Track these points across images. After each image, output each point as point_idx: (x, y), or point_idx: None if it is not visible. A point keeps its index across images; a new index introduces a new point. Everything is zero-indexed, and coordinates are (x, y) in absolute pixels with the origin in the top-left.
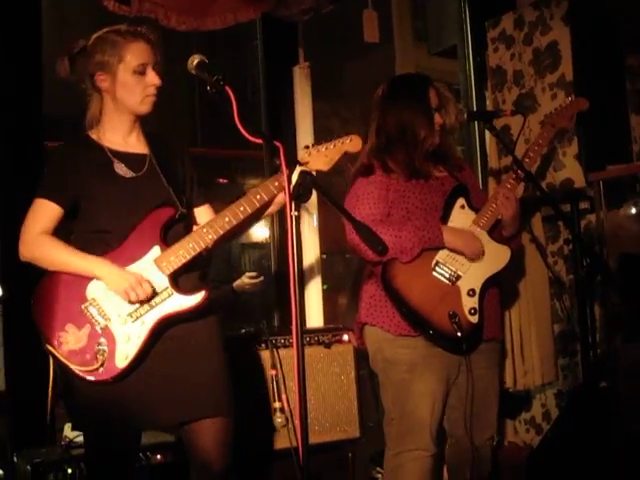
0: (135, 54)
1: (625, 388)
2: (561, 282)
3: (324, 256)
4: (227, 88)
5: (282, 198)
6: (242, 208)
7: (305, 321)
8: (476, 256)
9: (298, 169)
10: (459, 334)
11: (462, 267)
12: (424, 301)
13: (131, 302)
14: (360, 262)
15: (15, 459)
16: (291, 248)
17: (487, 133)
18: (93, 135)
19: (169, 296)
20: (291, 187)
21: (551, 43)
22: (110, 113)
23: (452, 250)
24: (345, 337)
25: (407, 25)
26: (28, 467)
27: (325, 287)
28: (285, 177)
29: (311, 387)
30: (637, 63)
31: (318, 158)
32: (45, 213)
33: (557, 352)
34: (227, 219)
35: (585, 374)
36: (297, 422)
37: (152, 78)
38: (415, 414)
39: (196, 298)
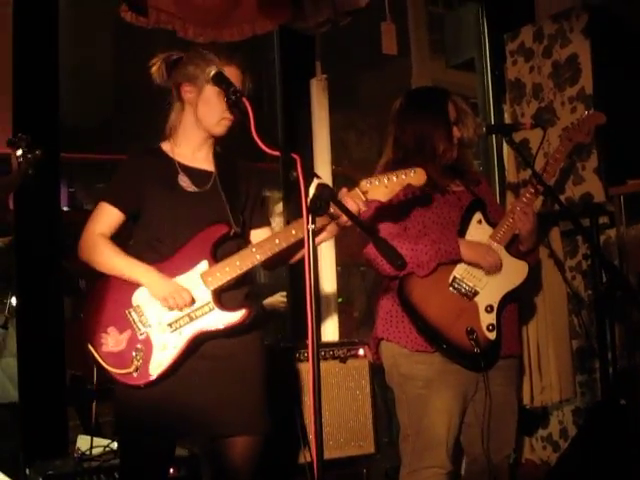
0: None
1: None
2: (579, 298)
3: (339, 268)
4: (244, 99)
5: (335, 227)
6: (294, 232)
7: (320, 335)
8: (494, 269)
9: (315, 181)
10: (477, 350)
11: (480, 283)
12: (441, 317)
13: (170, 309)
14: (376, 276)
15: (27, 471)
16: (308, 261)
17: (505, 147)
18: (165, 147)
19: (210, 311)
20: (308, 200)
21: (571, 56)
22: (187, 125)
23: (469, 263)
24: (361, 351)
25: (424, 38)
26: (40, 479)
27: (340, 300)
28: (302, 189)
29: (326, 402)
30: None
31: (378, 189)
32: (106, 217)
33: (575, 369)
34: (277, 241)
35: (604, 391)
36: (312, 437)
37: None
38: (431, 431)
39: (236, 316)
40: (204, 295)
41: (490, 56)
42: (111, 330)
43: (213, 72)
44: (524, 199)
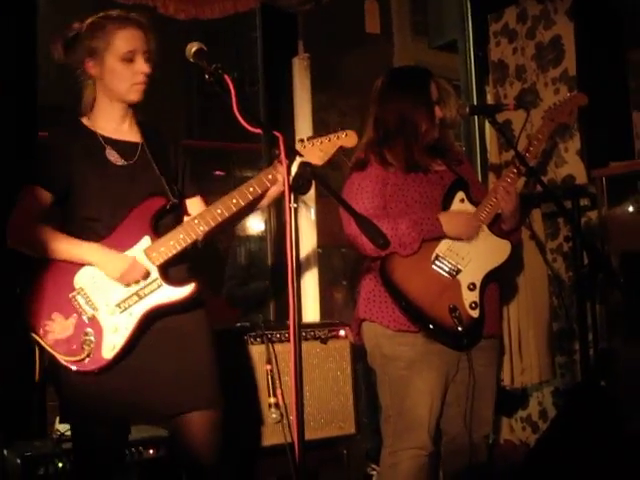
0: (124, 40)
1: (624, 388)
2: (560, 279)
3: (319, 250)
4: (226, 77)
5: (274, 191)
6: (235, 200)
7: (301, 316)
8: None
9: (298, 160)
10: (460, 329)
11: (462, 261)
12: (424, 295)
13: (127, 285)
14: (357, 257)
15: (5, 452)
16: (290, 241)
17: (487, 128)
18: (85, 121)
19: (158, 287)
20: (290, 178)
21: (555, 37)
22: (102, 100)
23: (453, 239)
24: (342, 332)
25: (406, 19)
26: (18, 460)
27: None
28: (285, 167)
29: (307, 382)
30: None
31: (313, 152)
32: (35, 200)
33: (555, 350)
34: (219, 211)
35: (583, 372)
36: (292, 418)
37: (140, 66)
38: (413, 412)
39: (186, 290)
40: (150, 272)
41: (473, 37)
42: (56, 316)
43: (195, 49)
44: (507, 179)
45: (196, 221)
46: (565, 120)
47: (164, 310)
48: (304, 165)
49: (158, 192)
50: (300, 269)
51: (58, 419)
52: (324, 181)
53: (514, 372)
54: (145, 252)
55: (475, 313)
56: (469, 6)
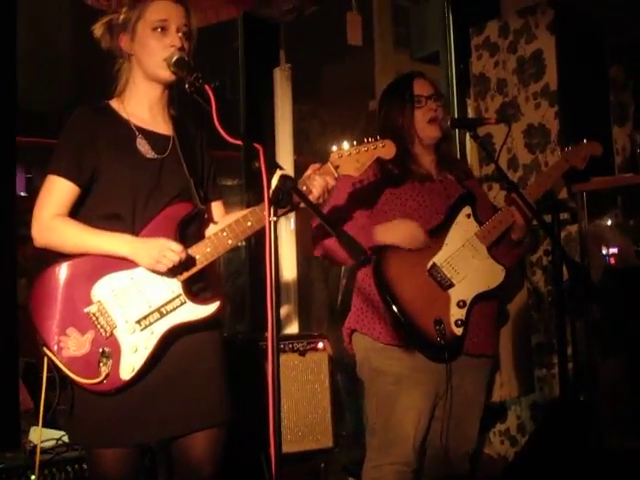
0: (155, 9)
1: (604, 402)
2: (539, 293)
3: (299, 258)
4: (207, 87)
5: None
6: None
7: (280, 327)
8: (416, 244)
9: (278, 173)
10: (441, 342)
11: (457, 275)
12: (413, 299)
13: (162, 272)
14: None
15: None
16: (269, 254)
17: (468, 141)
18: (114, 104)
19: (181, 304)
20: (270, 192)
21: (536, 52)
22: (135, 80)
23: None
24: (320, 345)
25: (388, 30)
26: None
27: None
28: (264, 180)
29: (284, 395)
30: (620, 75)
31: (349, 163)
32: (60, 192)
33: (534, 364)
34: (249, 223)
35: (562, 387)
36: (270, 431)
37: (173, 38)
38: (399, 428)
39: (210, 308)
40: (173, 286)
41: (455, 50)
42: (71, 331)
43: (175, 57)
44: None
45: (225, 233)
46: (578, 164)
47: (187, 328)
48: (284, 178)
49: (185, 196)
50: (279, 280)
51: (32, 429)
52: (304, 195)
53: (493, 386)
54: None
55: (459, 331)
56: (451, 19)
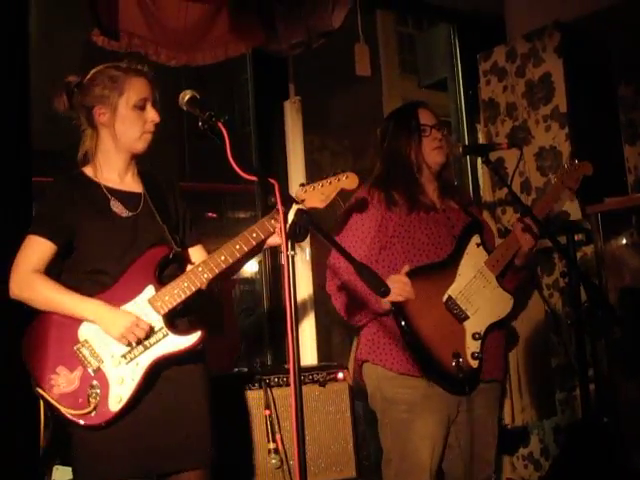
0: (136, 89)
1: (627, 424)
2: (557, 315)
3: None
4: (220, 124)
5: (273, 241)
6: (238, 246)
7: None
8: (407, 295)
9: (294, 207)
10: (460, 375)
11: (471, 307)
12: (433, 334)
13: (129, 345)
14: None
15: None
16: (288, 288)
17: (480, 165)
18: (88, 172)
19: (164, 337)
20: (287, 226)
21: (544, 75)
22: (106, 150)
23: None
24: (340, 375)
25: (394, 58)
26: None
27: None
28: (281, 216)
29: (306, 426)
30: (629, 93)
31: (314, 195)
32: (38, 251)
33: (555, 386)
34: (223, 257)
35: (584, 408)
36: (292, 463)
37: (152, 115)
38: (415, 456)
39: (192, 338)
40: (155, 321)
41: (463, 76)
42: (60, 370)
43: (187, 97)
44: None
45: (200, 269)
46: (572, 185)
47: (171, 359)
48: (301, 212)
49: (161, 242)
50: (297, 313)
51: (55, 469)
52: (321, 229)
53: (514, 410)
54: (149, 301)
55: (475, 364)
56: (458, 45)
